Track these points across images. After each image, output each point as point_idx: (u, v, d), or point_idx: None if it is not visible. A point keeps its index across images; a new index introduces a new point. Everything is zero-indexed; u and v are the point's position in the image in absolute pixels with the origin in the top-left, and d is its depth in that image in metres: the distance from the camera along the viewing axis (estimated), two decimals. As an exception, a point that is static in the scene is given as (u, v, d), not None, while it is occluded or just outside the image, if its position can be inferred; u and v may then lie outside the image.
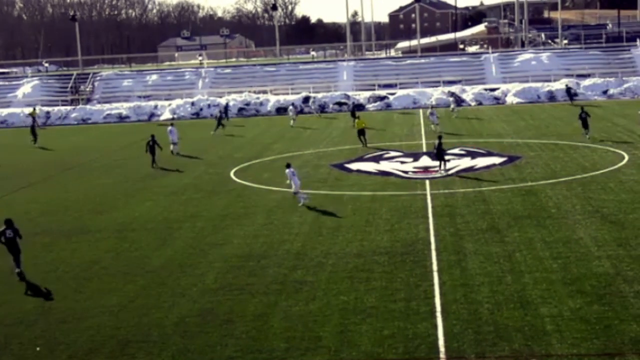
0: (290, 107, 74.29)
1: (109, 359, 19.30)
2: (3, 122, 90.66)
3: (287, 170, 36.12)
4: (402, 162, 45.53)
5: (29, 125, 71.49)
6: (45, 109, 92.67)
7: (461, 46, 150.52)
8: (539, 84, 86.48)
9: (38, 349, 20.14)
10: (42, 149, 63.61)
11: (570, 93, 78.43)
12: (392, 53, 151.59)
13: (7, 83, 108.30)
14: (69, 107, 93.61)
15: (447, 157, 42.65)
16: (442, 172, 41.57)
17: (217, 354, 19.18)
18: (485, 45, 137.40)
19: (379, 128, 64.31)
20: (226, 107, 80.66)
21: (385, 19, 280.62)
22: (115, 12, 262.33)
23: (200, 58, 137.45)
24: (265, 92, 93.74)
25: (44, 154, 60.28)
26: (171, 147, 54.61)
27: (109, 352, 19.65)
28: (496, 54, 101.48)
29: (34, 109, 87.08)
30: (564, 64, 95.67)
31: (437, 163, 42.54)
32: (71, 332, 21.11)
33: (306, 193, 35.79)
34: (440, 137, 43.84)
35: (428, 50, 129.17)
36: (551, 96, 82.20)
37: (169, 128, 56.29)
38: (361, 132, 53.65)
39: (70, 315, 22.45)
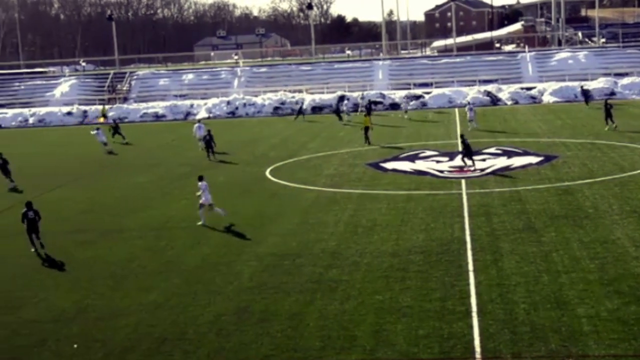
0: (345, 105, 73.69)
1: (145, 357, 19.39)
2: (41, 120, 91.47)
3: (199, 183, 33.54)
4: (438, 162, 45.36)
5: (109, 124, 73.91)
6: (83, 108, 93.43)
7: (497, 45, 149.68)
8: (575, 83, 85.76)
9: (75, 346, 20.27)
10: (79, 148, 64.08)
11: (586, 95, 76.72)
12: (428, 52, 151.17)
13: (45, 82, 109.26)
14: (107, 106, 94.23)
15: (482, 157, 42.50)
16: (472, 169, 41.82)
17: (252, 352, 19.22)
18: (521, 44, 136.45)
19: (414, 127, 64.14)
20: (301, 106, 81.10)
21: (421, 17, 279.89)
22: (152, 12, 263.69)
23: (236, 57, 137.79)
24: (300, 91, 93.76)
25: (80, 153, 60.68)
26: (199, 143, 55.82)
27: (145, 350, 19.76)
28: (533, 53, 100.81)
29: (104, 107, 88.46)
30: (602, 62, 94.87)
31: (470, 162, 42.38)
32: (108, 330, 21.24)
33: (221, 209, 33.55)
34: (462, 136, 44.19)
35: (464, 49, 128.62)
36: (588, 95, 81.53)
37: (197, 124, 57.86)
38: (366, 130, 54.92)
39: (106, 313, 22.60)
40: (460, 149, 44.39)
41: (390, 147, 52.60)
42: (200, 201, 33.23)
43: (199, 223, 32.90)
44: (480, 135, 56.30)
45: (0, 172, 46.44)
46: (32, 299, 24.38)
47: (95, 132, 58.16)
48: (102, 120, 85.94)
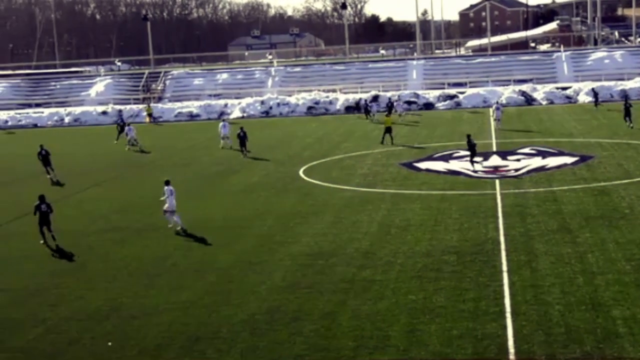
0: (398, 104, 73.34)
1: (179, 355, 19.48)
2: (76, 120, 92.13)
3: (165, 188, 33.24)
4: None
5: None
6: (118, 107, 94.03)
7: (532, 44, 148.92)
8: (611, 83, 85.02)
9: (110, 343, 20.41)
10: (114, 147, 64.50)
11: (596, 97, 75.63)
12: (462, 51, 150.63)
13: (80, 82, 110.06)
14: (140, 106, 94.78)
15: (517, 157, 42.30)
16: (472, 170, 42.21)
17: (285, 351, 19.24)
18: (557, 44, 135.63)
19: (448, 127, 63.91)
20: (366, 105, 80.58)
21: (455, 17, 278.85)
22: (186, 12, 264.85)
23: (270, 57, 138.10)
24: (334, 90, 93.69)
25: (115, 152, 61.08)
26: (221, 141, 58.14)
27: (178, 348, 19.84)
28: (568, 53, 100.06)
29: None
30: (638, 62, 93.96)
31: (506, 162, 42.21)
32: (141, 328, 21.36)
33: (178, 216, 33.02)
34: (469, 136, 44.55)
35: (499, 48, 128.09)
36: (624, 95, 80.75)
37: (222, 123, 59.86)
38: (388, 130, 55.25)
39: (140, 311, 22.73)
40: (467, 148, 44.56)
41: (424, 147, 52.44)
42: (164, 207, 33.06)
43: (170, 225, 32.97)
44: (514, 136, 56.03)
45: (41, 163, 49.01)
46: (68, 297, 24.57)
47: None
48: (148, 120, 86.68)
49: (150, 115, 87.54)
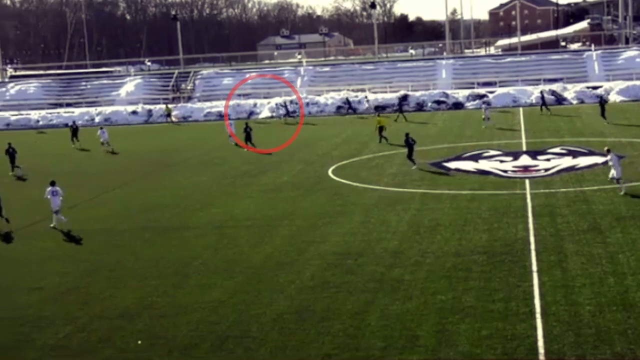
0: (484, 106, 72.85)
1: (208, 354, 19.54)
2: (107, 119, 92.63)
3: (48, 189, 34.89)
4: (502, 161, 44.98)
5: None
6: (148, 107, 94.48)
7: (563, 43, 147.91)
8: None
9: (139, 342, 20.51)
10: (143, 147, 64.85)
11: (543, 99, 74.51)
12: (492, 51, 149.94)
13: (110, 82, 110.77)
14: (171, 105, 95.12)
15: (547, 156, 42.10)
16: (414, 168, 43.76)
17: (314, 351, 19.26)
18: (587, 43, 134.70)
19: (478, 127, 63.70)
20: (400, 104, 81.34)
21: (485, 16, 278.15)
22: (216, 12, 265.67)
23: (299, 56, 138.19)
24: (363, 90, 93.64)
25: (143, 152, 61.41)
26: (229, 139, 61.96)
27: (208, 347, 19.91)
28: (599, 52, 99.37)
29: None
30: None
31: (536, 162, 42.04)
32: (171, 327, 21.45)
33: (60, 216, 34.85)
34: (407, 134, 45.88)
35: (529, 47, 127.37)
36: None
37: (229, 121, 64.19)
38: (381, 130, 57.10)
39: (170, 310, 22.83)
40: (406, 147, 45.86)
41: (453, 147, 52.30)
42: (53, 209, 34.82)
43: (51, 225, 34.63)
44: (545, 135, 55.76)
45: (8, 160, 53.09)
46: (99, 296, 24.73)
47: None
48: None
49: (169, 115, 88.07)
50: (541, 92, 75.80)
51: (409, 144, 45.09)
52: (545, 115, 68.22)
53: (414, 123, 69.95)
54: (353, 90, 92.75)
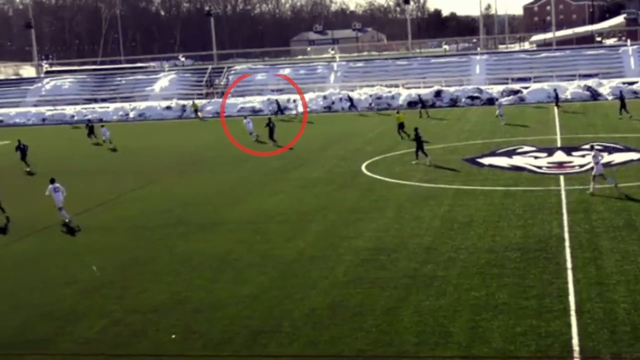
0: (498, 102, 72.83)
1: (242, 349, 19.61)
2: (141, 115, 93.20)
3: (49, 187, 35.62)
4: (536, 157, 44.72)
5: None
6: (181, 102, 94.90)
7: (598, 39, 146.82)
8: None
9: (173, 336, 20.62)
10: (177, 142, 65.15)
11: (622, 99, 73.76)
12: (526, 46, 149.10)
13: (145, 77, 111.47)
14: (204, 101, 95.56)
15: (582, 152, 41.82)
16: (414, 163, 44.41)
17: (347, 346, 19.27)
18: (623, 38, 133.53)
19: (511, 122, 63.37)
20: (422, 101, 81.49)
21: (519, 11, 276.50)
22: (249, 7, 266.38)
23: (332, 52, 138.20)
24: (396, 85, 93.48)
25: (178, 146, 61.67)
26: (249, 136, 62.54)
27: (241, 342, 19.97)
28: (635, 47, 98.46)
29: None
30: None
31: (571, 158, 41.75)
32: (205, 322, 21.55)
33: (70, 215, 35.44)
34: (416, 129, 45.79)
35: (564, 43, 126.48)
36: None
37: (245, 120, 64.70)
38: (401, 126, 57.00)
39: (204, 305, 22.93)
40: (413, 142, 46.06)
41: (487, 143, 52.08)
42: (56, 206, 35.30)
43: (67, 220, 35.03)
44: (580, 131, 55.37)
45: (20, 156, 53.99)
46: (133, 290, 24.89)
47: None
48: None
49: (196, 111, 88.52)
50: (620, 91, 73.21)
51: (418, 138, 45.19)
52: (625, 119, 62.18)
53: (446, 120, 69.78)
54: (386, 86, 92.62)
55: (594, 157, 34.78)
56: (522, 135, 55.40)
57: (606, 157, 43.08)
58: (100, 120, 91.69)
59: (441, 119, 69.41)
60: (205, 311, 22.39)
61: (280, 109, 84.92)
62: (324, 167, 46.38)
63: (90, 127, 70.56)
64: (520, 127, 60.54)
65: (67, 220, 34.88)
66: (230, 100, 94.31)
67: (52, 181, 35.59)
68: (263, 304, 22.64)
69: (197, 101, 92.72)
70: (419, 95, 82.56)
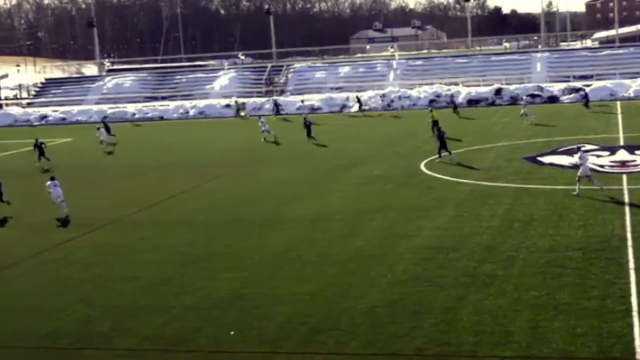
0: (523, 102, 72.05)
1: (300, 346, 19.66)
2: (201, 112, 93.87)
3: (47, 183, 37.37)
4: (598, 156, 44.13)
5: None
6: (242, 100, 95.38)
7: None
8: None
9: (232, 333, 20.74)
10: (236, 140, 65.48)
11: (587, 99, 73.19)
12: (589, 43, 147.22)
13: (204, 75, 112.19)
14: (263, 99, 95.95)
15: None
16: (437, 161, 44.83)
17: (405, 344, 19.22)
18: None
19: (573, 121, 62.66)
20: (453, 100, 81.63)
21: (581, 8, 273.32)
22: (308, 5, 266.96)
23: (391, 50, 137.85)
24: (456, 83, 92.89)
25: (237, 144, 62.00)
26: (264, 135, 62.80)
27: (299, 339, 20.03)
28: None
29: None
30: None
31: (634, 157, 41.18)
32: (263, 318, 21.63)
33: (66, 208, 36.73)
34: (436, 122, 46.68)
35: (627, 40, 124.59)
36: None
37: (261, 119, 64.79)
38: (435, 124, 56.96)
39: (263, 302, 23.02)
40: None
41: (548, 141, 51.54)
42: (57, 201, 36.85)
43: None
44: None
45: (37, 153, 55.32)
46: (192, 287, 25.08)
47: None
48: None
49: (239, 110, 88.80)
50: None
51: (441, 135, 45.56)
52: None
53: (506, 118, 69.17)
54: (446, 84, 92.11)
55: (581, 158, 34.50)
56: (584, 133, 54.71)
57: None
58: (161, 119, 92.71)
59: (501, 118, 68.77)
60: (263, 308, 22.48)
61: (279, 109, 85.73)
62: (383, 165, 46.30)
63: (106, 126, 70.49)
64: (582, 125, 59.78)
65: (65, 212, 36.49)
66: (289, 98, 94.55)
67: (52, 179, 37.43)
68: (321, 302, 22.67)
69: (240, 100, 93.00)
70: (451, 96, 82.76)
